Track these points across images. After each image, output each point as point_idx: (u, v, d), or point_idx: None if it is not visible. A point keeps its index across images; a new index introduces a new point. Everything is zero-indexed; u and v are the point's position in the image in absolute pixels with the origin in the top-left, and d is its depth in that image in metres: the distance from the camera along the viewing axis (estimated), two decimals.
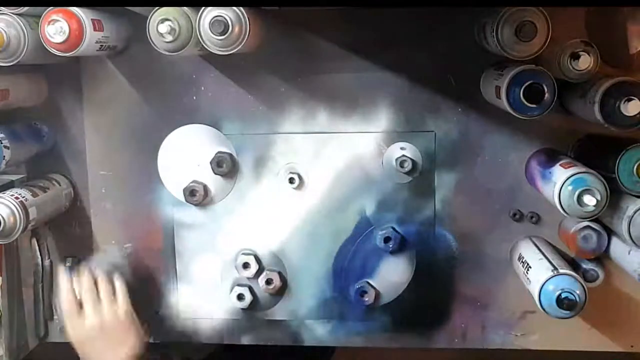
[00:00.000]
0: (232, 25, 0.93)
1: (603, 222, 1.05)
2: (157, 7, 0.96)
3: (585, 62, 0.97)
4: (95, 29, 1.00)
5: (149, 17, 0.96)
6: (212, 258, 1.20)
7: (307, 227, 1.17)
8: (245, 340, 1.21)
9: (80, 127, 1.18)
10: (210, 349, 1.31)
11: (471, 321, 1.18)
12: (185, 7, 0.95)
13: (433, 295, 1.18)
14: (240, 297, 1.18)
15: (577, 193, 0.94)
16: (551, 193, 0.97)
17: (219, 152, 1.16)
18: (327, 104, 1.14)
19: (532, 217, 1.14)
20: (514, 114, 0.96)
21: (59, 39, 0.97)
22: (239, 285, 1.19)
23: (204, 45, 0.95)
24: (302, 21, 1.12)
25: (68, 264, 1.21)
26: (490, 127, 1.12)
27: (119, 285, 1.11)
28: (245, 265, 1.18)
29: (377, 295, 1.17)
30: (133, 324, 1.08)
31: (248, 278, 1.18)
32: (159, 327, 1.22)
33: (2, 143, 1.05)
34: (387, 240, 1.15)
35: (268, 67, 1.14)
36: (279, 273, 1.18)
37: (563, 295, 0.96)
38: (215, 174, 1.16)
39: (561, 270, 0.99)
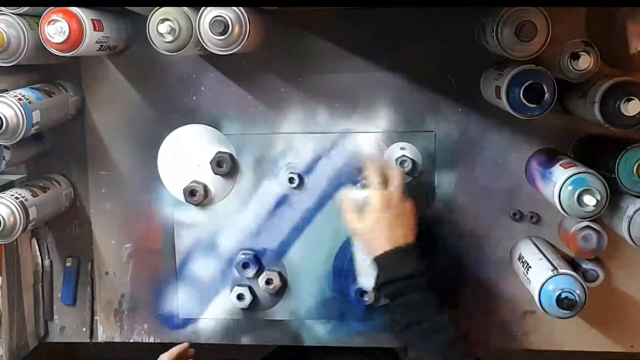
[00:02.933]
0: (232, 25, 0.93)
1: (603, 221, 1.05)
2: (157, 7, 0.96)
3: (585, 62, 0.97)
4: (95, 29, 1.00)
5: (149, 17, 0.96)
6: (212, 258, 1.20)
7: (307, 227, 1.17)
8: (245, 340, 1.21)
9: (80, 127, 1.18)
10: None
11: (471, 321, 1.18)
12: (185, 7, 0.95)
13: (433, 295, 1.17)
14: (240, 297, 1.18)
15: (577, 193, 0.94)
16: (551, 193, 0.97)
17: (219, 152, 1.16)
18: (327, 104, 1.14)
19: (532, 217, 1.14)
20: (514, 114, 0.96)
21: (59, 39, 0.97)
22: (239, 285, 1.19)
23: (204, 45, 0.95)
24: (302, 21, 1.12)
25: (68, 264, 1.21)
26: (490, 127, 1.12)
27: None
28: (245, 265, 1.18)
29: (377, 295, 1.17)
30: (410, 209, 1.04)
31: (248, 278, 1.18)
32: (159, 327, 1.22)
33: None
34: None
35: (268, 67, 1.14)
36: (279, 273, 1.18)
37: (563, 295, 0.96)
38: (215, 174, 1.16)
39: (561, 270, 0.99)
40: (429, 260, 1.01)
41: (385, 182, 1.04)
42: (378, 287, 1.03)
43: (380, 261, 1.00)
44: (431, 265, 1.01)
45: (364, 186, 1.07)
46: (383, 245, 1.00)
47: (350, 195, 1.07)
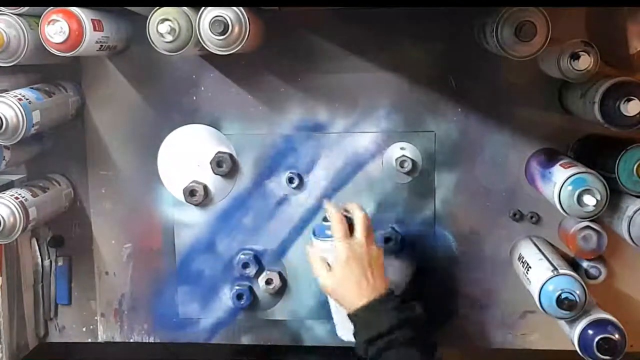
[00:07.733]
0: (232, 25, 0.93)
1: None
2: (157, 7, 0.96)
3: (585, 62, 0.96)
4: (95, 29, 1.00)
5: (149, 17, 0.96)
6: (212, 258, 1.20)
7: (307, 227, 1.17)
8: (245, 340, 1.21)
9: (80, 127, 1.18)
10: None
11: (471, 321, 1.18)
12: (185, 7, 0.96)
13: (433, 295, 1.17)
14: (240, 297, 1.18)
15: (577, 193, 0.94)
16: (551, 193, 0.97)
17: (219, 152, 1.16)
18: (327, 104, 1.14)
19: (532, 217, 1.14)
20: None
21: (59, 39, 0.97)
22: (239, 285, 1.19)
23: (204, 45, 0.95)
24: (302, 21, 1.12)
25: (60, 263, 1.21)
26: (490, 127, 1.12)
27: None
28: (245, 265, 1.18)
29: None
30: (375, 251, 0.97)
31: (248, 278, 1.18)
32: (159, 327, 1.22)
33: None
34: (387, 240, 1.15)
35: (268, 67, 1.14)
36: (279, 273, 1.18)
37: (563, 296, 0.96)
38: (215, 174, 1.16)
39: (561, 271, 0.99)
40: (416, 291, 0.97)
41: (350, 228, 0.98)
42: (357, 347, 0.94)
43: (355, 318, 0.93)
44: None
45: (329, 236, 1.00)
46: (355, 300, 0.94)
47: (315, 248, 1.01)
